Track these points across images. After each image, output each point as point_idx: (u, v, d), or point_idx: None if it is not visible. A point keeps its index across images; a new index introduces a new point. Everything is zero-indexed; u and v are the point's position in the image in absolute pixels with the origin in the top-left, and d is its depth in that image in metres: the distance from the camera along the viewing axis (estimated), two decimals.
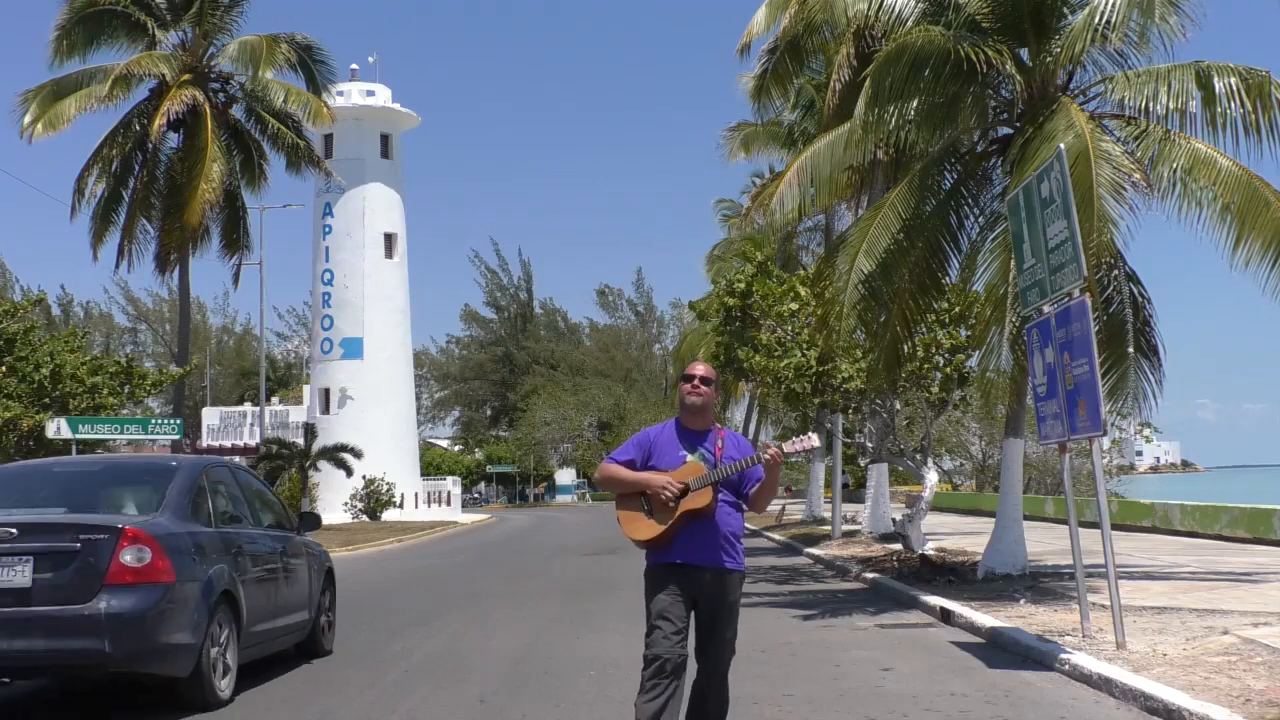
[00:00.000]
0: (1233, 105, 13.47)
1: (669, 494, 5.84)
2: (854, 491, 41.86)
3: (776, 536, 27.99)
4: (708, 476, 5.91)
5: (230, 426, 53.18)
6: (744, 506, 6.13)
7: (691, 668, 6.02)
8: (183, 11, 32.97)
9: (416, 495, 52.00)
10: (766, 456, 5.93)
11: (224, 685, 8.59)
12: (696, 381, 6.11)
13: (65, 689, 9.37)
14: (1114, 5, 13.78)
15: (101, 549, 7.87)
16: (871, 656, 10.08)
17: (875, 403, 18.73)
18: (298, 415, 51.72)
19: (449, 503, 55.33)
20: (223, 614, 8.62)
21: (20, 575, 7.78)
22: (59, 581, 7.81)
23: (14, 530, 7.86)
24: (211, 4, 32.99)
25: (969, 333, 16.69)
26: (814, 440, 6.16)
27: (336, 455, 39.26)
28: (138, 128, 32.50)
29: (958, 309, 16.66)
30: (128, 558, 7.88)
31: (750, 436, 47.06)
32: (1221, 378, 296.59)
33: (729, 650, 6.09)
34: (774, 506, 34.99)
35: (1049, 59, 14.52)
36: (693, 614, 5.99)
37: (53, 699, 9.34)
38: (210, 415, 54.32)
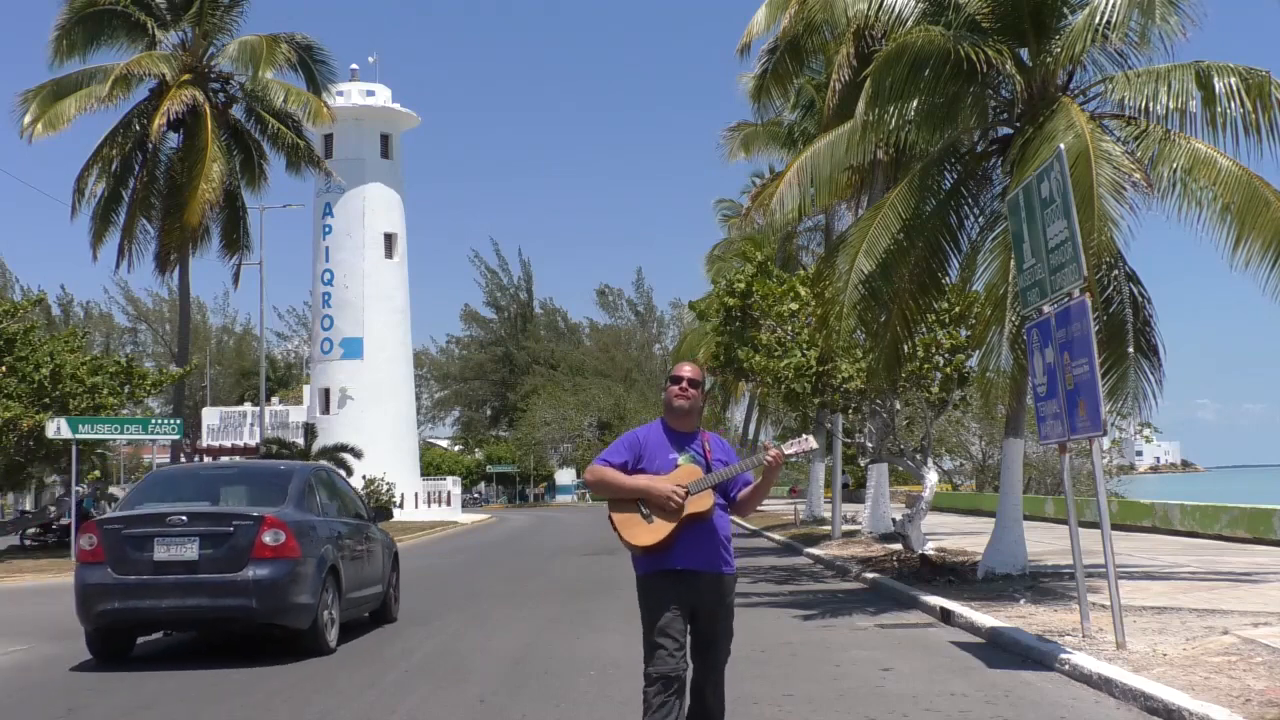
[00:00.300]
0: (1233, 105, 13.47)
1: (676, 502, 5.69)
2: (854, 491, 41.84)
3: (776, 536, 27.99)
4: (707, 480, 5.77)
5: (230, 426, 53.19)
6: (726, 507, 6.02)
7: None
8: (183, 11, 32.97)
9: (416, 495, 51.97)
10: (768, 459, 5.76)
11: (332, 637, 11.04)
12: (685, 384, 5.95)
13: (209, 641, 11.69)
14: (1114, 5, 13.78)
15: (248, 531, 10.41)
16: (871, 656, 10.08)
17: (875, 403, 18.74)
18: (298, 415, 51.70)
19: (449, 503, 55.30)
20: (330, 583, 11.07)
21: (190, 551, 10.36)
22: (217, 555, 10.37)
23: (185, 518, 10.49)
24: (211, 4, 32.99)
25: (969, 333, 16.69)
26: (812, 442, 6.03)
27: (336, 455, 39.21)
28: (138, 128, 32.51)
29: (958, 309, 16.66)
30: (268, 538, 10.40)
31: (750, 436, 47.06)
32: (1221, 378, 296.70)
33: (727, 652, 6.04)
34: (783, 507, 34.98)
35: (1049, 59, 14.52)
36: (691, 619, 5.88)
37: (201, 648, 11.49)
38: (210, 415, 54.34)
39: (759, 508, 6.41)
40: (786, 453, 5.83)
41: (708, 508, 5.76)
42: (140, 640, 11.38)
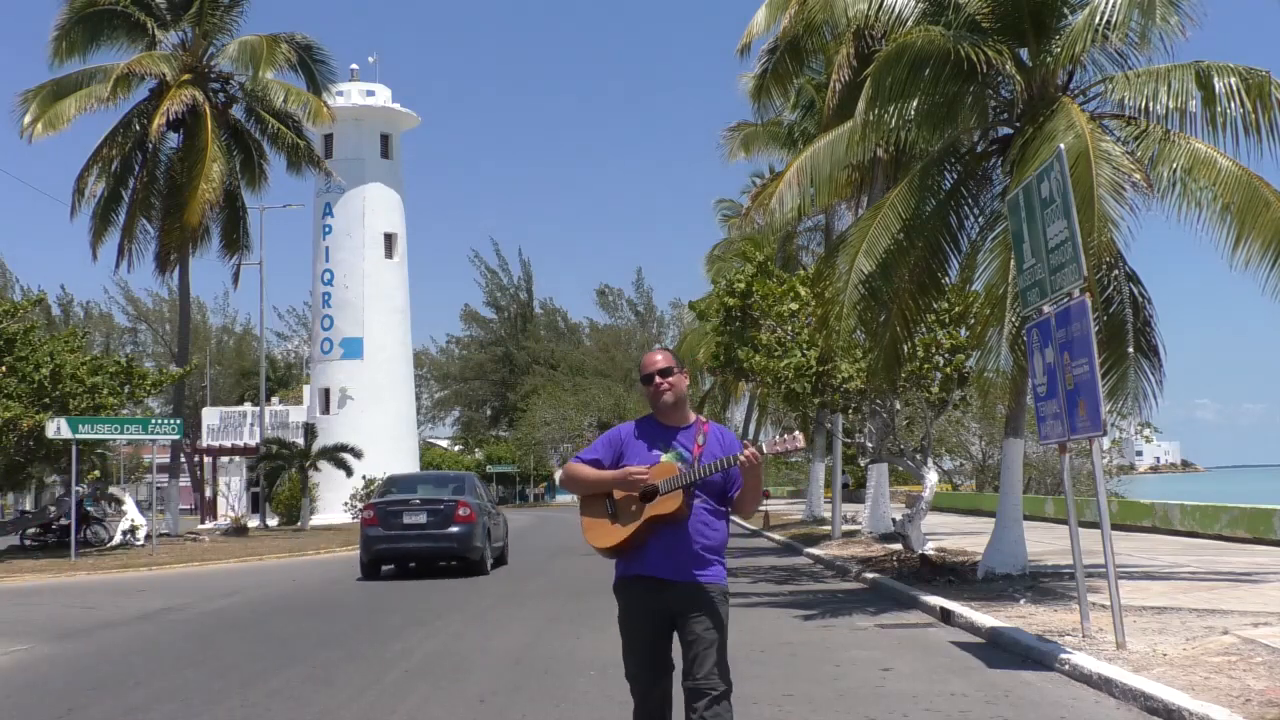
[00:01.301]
0: (1233, 105, 13.46)
1: (638, 479, 5.12)
2: (854, 491, 41.84)
3: (776, 536, 27.98)
4: (678, 479, 5.12)
5: (230, 426, 53.07)
6: (726, 512, 5.32)
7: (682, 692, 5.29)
8: (183, 11, 32.99)
9: None
10: (742, 458, 5.08)
11: (489, 566, 20.11)
12: (658, 379, 5.27)
13: (420, 569, 20.40)
14: (1114, 5, 13.78)
15: (451, 508, 19.41)
16: (871, 656, 10.08)
17: (875, 403, 18.73)
18: (298, 415, 51.62)
19: None
20: (486, 537, 19.98)
21: (422, 517, 19.46)
22: (436, 521, 19.40)
23: (419, 500, 19.80)
24: (211, 4, 33.00)
25: (969, 333, 16.69)
26: (800, 440, 5.24)
27: (336, 455, 39.22)
28: (138, 128, 32.52)
29: (958, 309, 16.66)
30: (461, 511, 19.38)
31: (750, 436, 47.00)
32: (1221, 378, 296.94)
33: (718, 678, 5.12)
34: (783, 507, 34.88)
35: (1049, 59, 14.52)
36: (673, 629, 5.25)
37: (417, 571, 20.35)
38: (210, 415, 54.19)
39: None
40: (767, 452, 5.17)
41: (674, 510, 5.12)
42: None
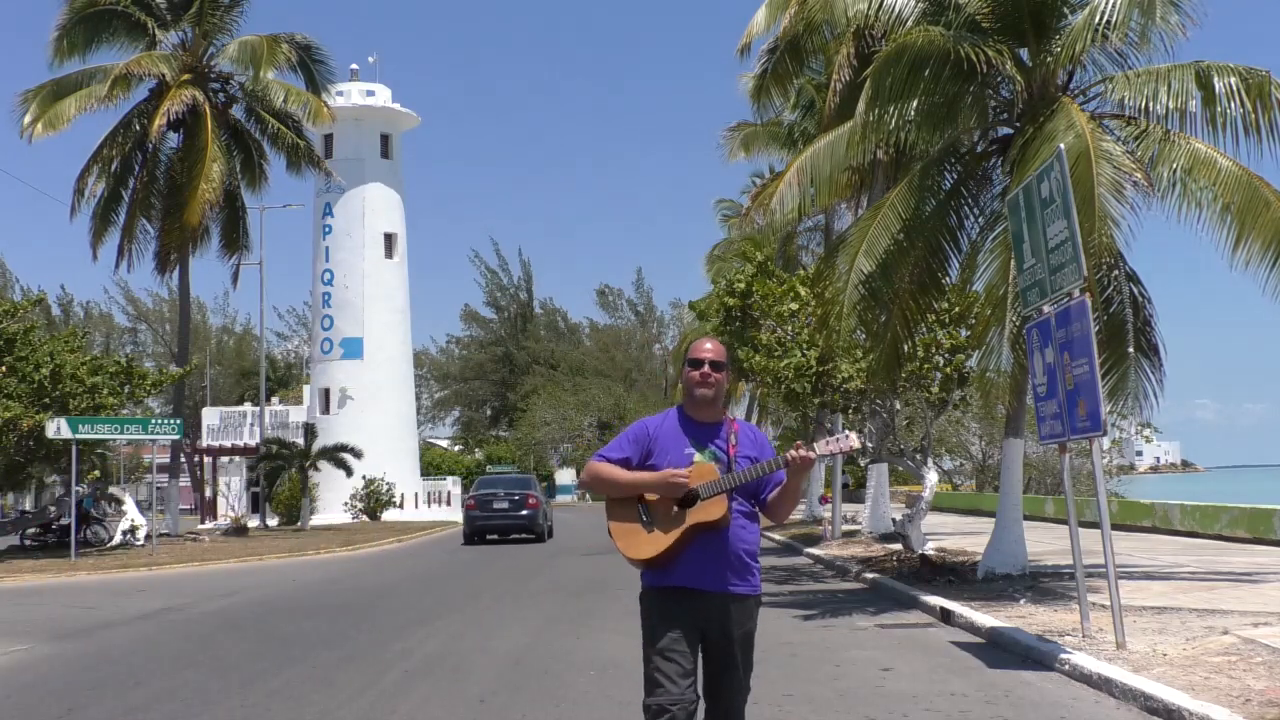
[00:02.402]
0: (1233, 105, 13.47)
1: (679, 481, 4.79)
2: (854, 491, 41.84)
3: (776, 536, 27.95)
4: (721, 483, 4.79)
5: (230, 426, 53.00)
6: (759, 515, 5.04)
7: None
8: (183, 11, 33.00)
9: (416, 495, 51.90)
10: (795, 458, 4.77)
11: (548, 535, 31.71)
12: (706, 369, 4.96)
13: (505, 539, 31.00)
14: (1114, 5, 13.79)
15: (524, 498, 31.01)
16: (871, 656, 10.08)
17: (875, 403, 18.73)
18: (298, 415, 51.57)
19: (449, 503, 55.19)
20: (544, 516, 31.55)
21: (505, 504, 30.86)
22: (514, 506, 30.85)
23: (502, 493, 31.23)
24: (211, 4, 33.01)
25: (969, 333, 16.69)
26: (853, 441, 4.92)
27: (336, 455, 39.20)
28: (138, 128, 32.53)
29: (958, 309, 16.65)
30: (531, 500, 30.98)
31: None
32: (1221, 378, 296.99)
33: (743, 690, 4.98)
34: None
35: (1049, 59, 14.52)
36: (701, 644, 4.93)
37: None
38: (210, 415, 54.12)
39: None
40: (819, 453, 4.84)
41: (720, 516, 4.80)
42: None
